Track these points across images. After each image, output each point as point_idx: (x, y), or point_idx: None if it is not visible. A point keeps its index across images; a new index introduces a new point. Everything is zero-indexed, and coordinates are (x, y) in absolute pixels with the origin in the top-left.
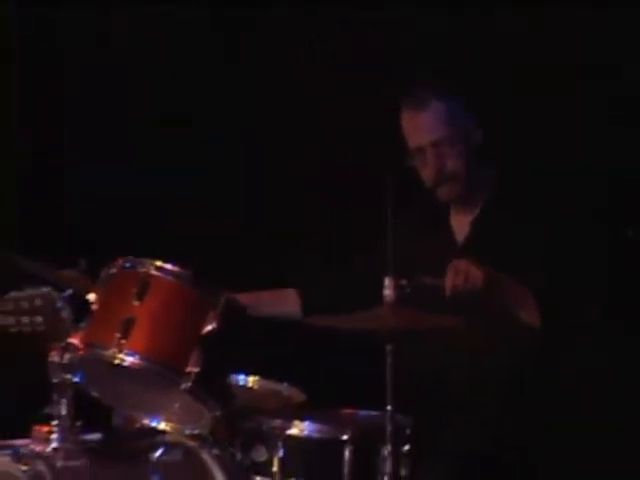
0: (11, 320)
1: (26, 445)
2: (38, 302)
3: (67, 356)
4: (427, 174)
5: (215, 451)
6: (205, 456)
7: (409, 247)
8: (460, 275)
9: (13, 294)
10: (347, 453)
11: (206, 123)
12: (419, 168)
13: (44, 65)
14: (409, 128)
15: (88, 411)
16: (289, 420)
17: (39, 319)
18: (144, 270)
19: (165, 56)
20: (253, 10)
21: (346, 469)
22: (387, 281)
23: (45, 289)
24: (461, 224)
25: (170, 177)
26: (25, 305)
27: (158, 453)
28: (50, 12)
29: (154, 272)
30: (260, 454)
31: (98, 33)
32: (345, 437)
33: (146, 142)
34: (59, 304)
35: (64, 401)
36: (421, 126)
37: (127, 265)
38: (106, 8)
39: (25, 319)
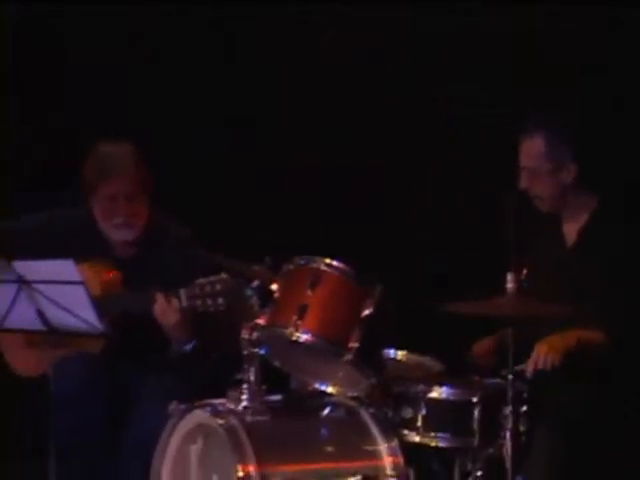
0: (199, 302)
1: (222, 404)
2: (218, 287)
3: (255, 334)
4: (529, 190)
5: (371, 410)
6: (363, 414)
7: (528, 247)
8: (540, 359)
9: (199, 281)
10: (476, 412)
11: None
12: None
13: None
14: (520, 149)
15: (271, 377)
16: (430, 385)
17: (220, 300)
18: (316, 266)
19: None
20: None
21: (475, 425)
22: (509, 276)
23: (224, 276)
24: (570, 231)
25: (325, 183)
26: (208, 289)
27: (326, 411)
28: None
29: (324, 267)
30: (407, 413)
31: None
32: (475, 399)
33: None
34: (248, 292)
35: (252, 369)
36: (524, 151)
37: (302, 262)
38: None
39: (209, 301)
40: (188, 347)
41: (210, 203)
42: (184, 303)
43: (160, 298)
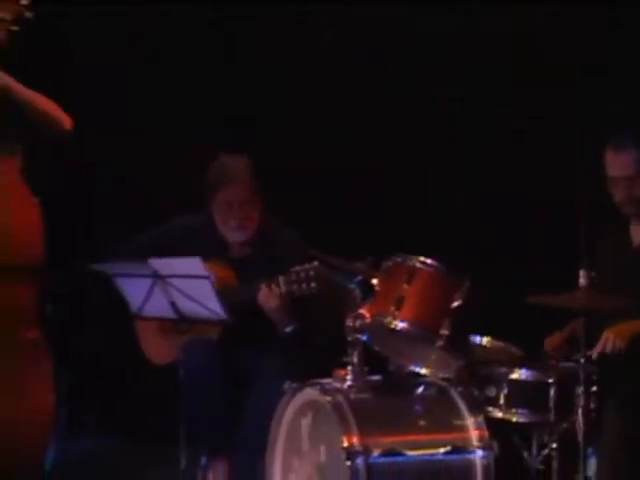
0: (295, 286)
1: (330, 383)
2: (311, 273)
3: (358, 322)
4: (619, 197)
5: (460, 389)
6: (453, 392)
7: (598, 247)
8: (607, 344)
9: (294, 268)
10: (552, 392)
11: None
12: (612, 191)
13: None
14: (609, 161)
15: (372, 360)
16: (511, 368)
17: (313, 284)
18: (411, 263)
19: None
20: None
21: (551, 403)
22: (582, 272)
23: (316, 263)
24: (637, 233)
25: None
26: (302, 275)
27: (420, 390)
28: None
29: (418, 265)
30: (491, 392)
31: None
32: (550, 380)
33: None
34: (352, 286)
35: (356, 353)
36: (619, 163)
37: (399, 260)
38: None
39: (304, 285)
40: (289, 329)
41: (316, 204)
42: (283, 288)
43: (263, 287)
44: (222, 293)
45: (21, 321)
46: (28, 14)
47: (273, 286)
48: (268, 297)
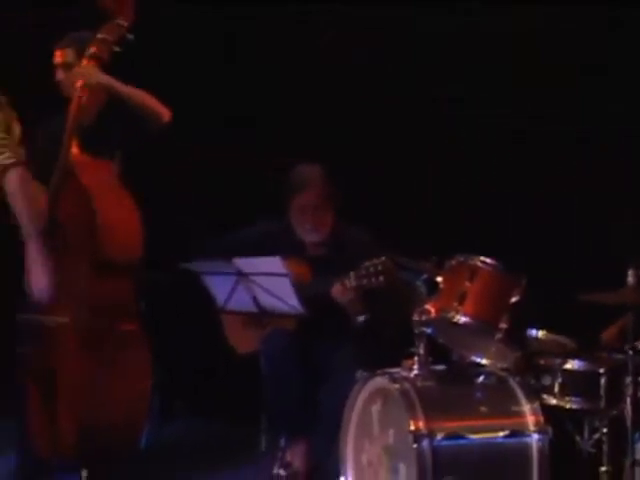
0: (365, 280)
1: (398, 372)
2: (380, 267)
3: (424, 316)
4: None
5: (517, 378)
6: (511, 381)
7: None
8: None
9: (364, 264)
10: (603, 381)
11: None
12: None
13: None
14: None
15: (436, 351)
16: (565, 359)
17: (381, 278)
18: (473, 262)
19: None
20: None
21: (602, 391)
22: (630, 271)
23: (383, 258)
24: None
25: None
26: (372, 269)
27: (480, 378)
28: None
29: (479, 264)
30: (546, 380)
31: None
32: (601, 370)
33: None
34: (418, 283)
35: (422, 344)
36: None
37: (462, 259)
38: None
39: (373, 279)
40: (361, 320)
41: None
42: (353, 282)
43: (336, 282)
44: (299, 288)
45: (123, 314)
46: (129, 36)
47: (345, 281)
48: (341, 291)
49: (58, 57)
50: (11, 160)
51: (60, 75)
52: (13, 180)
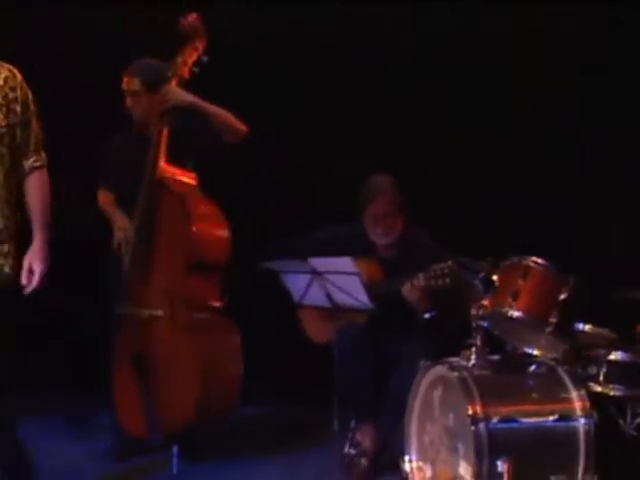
0: (432, 281)
1: (457, 361)
2: (446, 270)
3: (481, 311)
4: None
5: (565, 367)
6: (560, 370)
7: None
8: None
9: (432, 266)
10: None
11: None
12: None
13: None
14: None
15: (492, 342)
16: (609, 350)
17: (447, 280)
18: (526, 263)
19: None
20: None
21: None
22: None
23: (449, 262)
24: None
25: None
26: (439, 272)
27: (532, 368)
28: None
29: (532, 264)
30: (592, 370)
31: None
32: None
33: None
34: (476, 281)
35: (479, 336)
36: None
37: (515, 260)
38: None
39: (439, 280)
40: (427, 316)
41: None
42: (422, 283)
43: (406, 282)
44: (370, 286)
45: (212, 307)
46: (204, 58)
47: (414, 281)
48: (411, 290)
49: (125, 84)
50: (37, 164)
51: (128, 102)
52: (38, 181)
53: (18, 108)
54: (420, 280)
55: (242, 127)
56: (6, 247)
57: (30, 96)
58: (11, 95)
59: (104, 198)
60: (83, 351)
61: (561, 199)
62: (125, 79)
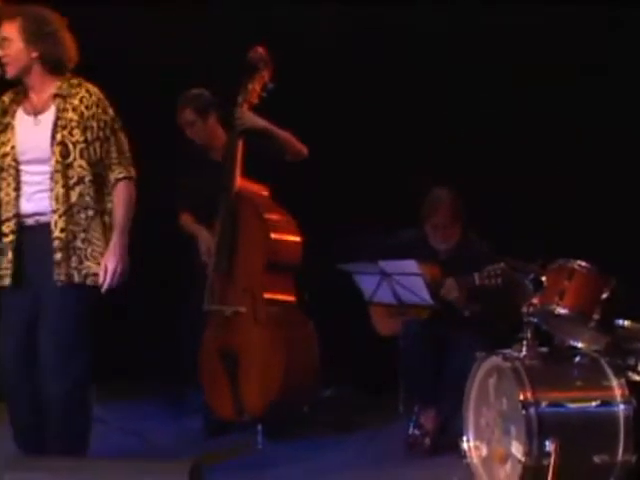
0: (486, 281)
1: (509, 352)
2: (498, 271)
3: (531, 308)
4: None
5: (607, 359)
6: (602, 361)
7: None
8: None
9: (486, 268)
10: None
11: None
12: None
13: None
14: None
15: (541, 336)
16: None
17: (499, 280)
18: (571, 265)
19: None
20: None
21: None
22: None
23: (501, 264)
24: None
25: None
26: (492, 273)
27: (577, 359)
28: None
29: (576, 266)
30: (631, 361)
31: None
32: None
33: None
34: (527, 282)
35: (529, 331)
36: None
37: (562, 262)
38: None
39: (492, 280)
40: (467, 313)
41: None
42: (477, 282)
43: (449, 280)
44: (432, 286)
45: (290, 304)
46: (271, 85)
47: (462, 281)
48: (449, 291)
49: (180, 117)
50: (121, 175)
51: (188, 132)
52: (122, 191)
53: (95, 125)
54: (475, 280)
55: (303, 149)
56: (90, 250)
57: (109, 113)
58: (87, 113)
59: (185, 219)
60: (178, 343)
61: (603, 206)
62: (179, 112)
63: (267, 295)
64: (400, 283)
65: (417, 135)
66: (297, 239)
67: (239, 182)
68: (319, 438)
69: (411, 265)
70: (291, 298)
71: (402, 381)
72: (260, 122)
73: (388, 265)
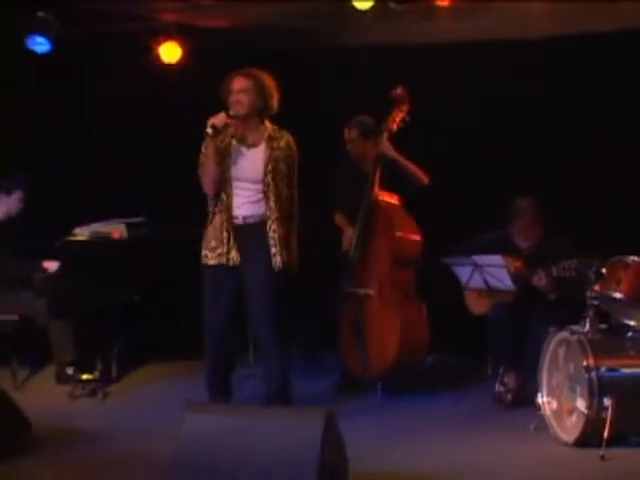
0: (562, 273)
1: (576, 328)
2: (572, 265)
3: (594, 293)
4: None
5: None
6: None
7: None
8: None
9: (562, 262)
10: None
11: None
12: None
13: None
14: None
15: (600, 315)
16: None
17: (573, 273)
18: (626, 260)
19: None
20: None
21: None
22: None
23: (575, 260)
24: None
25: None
26: (567, 266)
27: (629, 334)
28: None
29: (630, 261)
30: None
31: None
32: None
33: None
34: (590, 273)
35: (591, 311)
36: None
37: (619, 257)
38: None
39: (568, 272)
40: (552, 298)
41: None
42: (555, 274)
43: (540, 272)
44: (516, 275)
45: (409, 289)
46: (408, 118)
47: (546, 272)
48: (539, 280)
49: (346, 134)
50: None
51: (349, 147)
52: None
53: (284, 168)
54: (553, 272)
55: (425, 179)
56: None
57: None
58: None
59: (338, 218)
60: (321, 316)
61: None
62: (346, 130)
63: (392, 282)
64: (489, 273)
65: (508, 152)
66: (418, 238)
67: (377, 191)
68: (425, 394)
69: (497, 259)
70: (411, 286)
71: (490, 350)
72: (392, 152)
73: (479, 258)
